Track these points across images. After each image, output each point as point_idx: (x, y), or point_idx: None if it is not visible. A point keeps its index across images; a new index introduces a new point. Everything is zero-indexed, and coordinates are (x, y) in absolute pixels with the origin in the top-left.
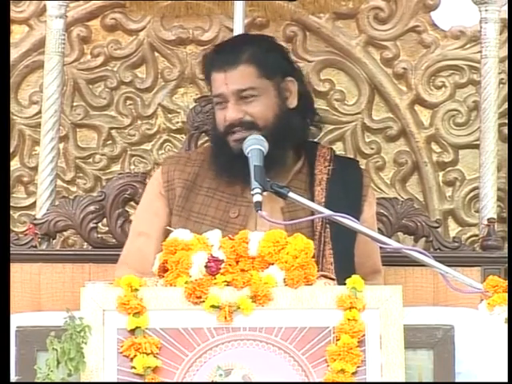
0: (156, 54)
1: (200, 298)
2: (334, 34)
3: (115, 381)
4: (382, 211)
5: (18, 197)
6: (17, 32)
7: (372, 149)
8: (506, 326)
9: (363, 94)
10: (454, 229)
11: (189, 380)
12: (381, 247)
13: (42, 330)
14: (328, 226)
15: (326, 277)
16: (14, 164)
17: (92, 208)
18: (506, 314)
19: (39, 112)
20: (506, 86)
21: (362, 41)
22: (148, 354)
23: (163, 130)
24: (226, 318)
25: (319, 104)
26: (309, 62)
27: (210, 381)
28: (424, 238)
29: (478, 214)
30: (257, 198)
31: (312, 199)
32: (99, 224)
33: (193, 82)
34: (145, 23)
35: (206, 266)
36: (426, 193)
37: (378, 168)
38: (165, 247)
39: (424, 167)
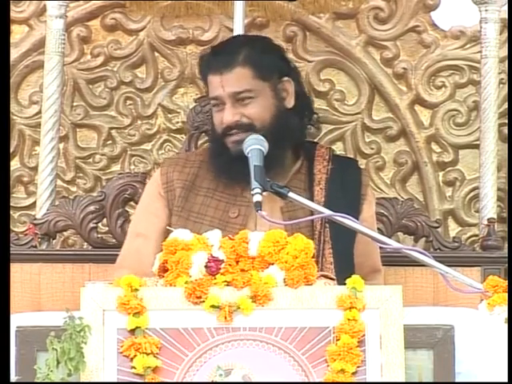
0: (156, 53)
1: (200, 297)
2: (334, 33)
3: (115, 381)
4: (382, 211)
5: (18, 197)
6: (17, 32)
7: (372, 149)
8: (506, 326)
9: (363, 93)
10: (454, 229)
11: (189, 380)
12: (381, 247)
13: (41, 329)
14: (327, 225)
15: (326, 277)
16: (14, 164)
17: (92, 208)
18: (505, 314)
19: (39, 112)
20: (506, 86)
21: (362, 41)
22: (148, 354)
23: (163, 130)
24: (226, 317)
25: (319, 104)
26: (309, 61)
27: (210, 381)
28: (424, 238)
29: (478, 213)
30: (257, 197)
31: (311, 199)
32: (99, 224)
33: (193, 82)
34: (145, 23)
35: (206, 266)
36: (426, 193)
37: (377, 168)
38: (165, 247)
39: (424, 167)
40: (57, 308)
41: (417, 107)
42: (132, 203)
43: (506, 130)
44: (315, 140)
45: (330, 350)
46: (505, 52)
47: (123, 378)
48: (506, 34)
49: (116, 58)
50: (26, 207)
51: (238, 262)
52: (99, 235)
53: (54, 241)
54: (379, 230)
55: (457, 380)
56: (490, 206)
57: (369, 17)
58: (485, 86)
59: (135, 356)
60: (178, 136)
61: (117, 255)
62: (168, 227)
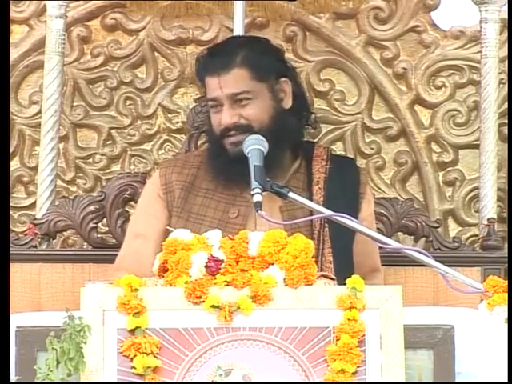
0: (156, 53)
1: (200, 297)
2: (334, 33)
3: (115, 381)
4: (382, 211)
5: (18, 197)
6: (17, 32)
7: (372, 149)
8: (506, 326)
9: (363, 93)
10: (454, 229)
11: (189, 380)
12: (381, 247)
13: (41, 329)
14: (327, 224)
15: (326, 277)
16: (14, 164)
17: (92, 208)
18: (505, 314)
19: (39, 112)
20: (506, 86)
21: (362, 41)
22: (148, 354)
23: (163, 130)
24: (226, 317)
25: (319, 104)
26: (309, 61)
27: (210, 381)
28: (424, 238)
29: (478, 213)
30: (257, 197)
31: (310, 198)
32: (99, 224)
33: (193, 82)
34: (145, 23)
35: (206, 266)
36: (426, 193)
37: (377, 168)
38: (165, 247)
39: (424, 167)
40: (57, 308)
41: (417, 107)
42: (132, 203)
43: (505, 130)
44: (316, 140)
45: (329, 349)
46: (505, 52)
47: (123, 377)
48: (505, 34)
49: (116, 58)
50: (26, 207)
51: (237, 262)
52: (99, 235)
53: (54, 241)
54: (379, 230)
55: (457, 380)
56: (489, 206)
57: (369, 17)
58: (485, 86)
59: (135, 356)
60: (178, 136)
61: (117, 255)
62: (168, 227)
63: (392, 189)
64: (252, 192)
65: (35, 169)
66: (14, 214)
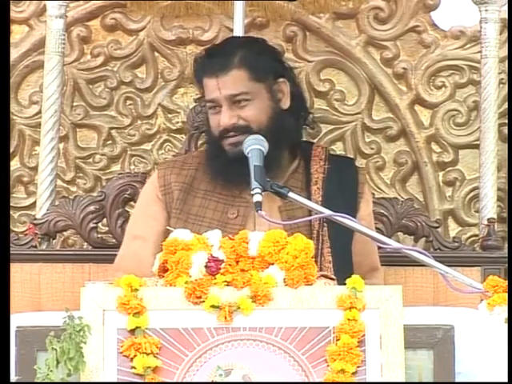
0: (156, 53)
1: (200, 298)
2: (334, 33)
3: (115, 381)
4: (382, 211)
5: (18, 197)
6: (17, 32)
7: (372, 149)
8: (506, 325)
9: (363, 93)
10: (454, 229)
11: (189, 380)
12: (381, 247)
13: (41, 329)
14: (326, 224)
15: (326, 277)
16: (14, 164)
17: (92, 208)
18: (505, 314)
19: (39, 112)
20: (506, 86)
21: (362, 41)
22: (148, 354)
23: (163, 130)
24: (226, 317)
25: (319, 104)
26: (309, 61)
27: (210, 381)
28: (424, 238)
29: (478, 213)
30: (257, 197)
31: (309, 198)
32: (99, 224)
33: (193, 82)
34: (145, 23)
35: (206, 266)
36: (426, 193)
37: (377, 168)
38: (165, 247)
39: (424, 167)
40: (57, 308)
41: (417, 107)
42: (132, 203)
43: (506, 130)
44: (316, 140)
45: (329, 350)
46: (505, 52)
47: (123, 378)
48: (505, 34)
49: (116, 58)
50: (26, 207)
51: (237, 262)
52: (99, 235)
53: (54, 241)
54: (379, 230)
55: (457, 380)
56: (489, 206)
57: (369, 17)
58: (485, 86)
59: (135, 356)
60: (178, 136)
61: (117, 255)
62: (168, 227)
63: (392, 189)
64: (252, 192)
65: (35, 169)
66: (14, 214)
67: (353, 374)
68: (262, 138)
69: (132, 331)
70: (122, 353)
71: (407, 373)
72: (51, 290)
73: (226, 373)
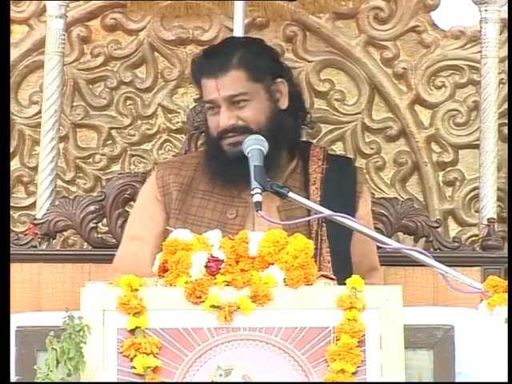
0: (156, 54)
1: (200, 298)
2: (334, 33)
3: (115, 381)
4: (382, 211)
5: (18, 197)
6: (17, 32)
7: (372, 149)
8: (506, 325)
9: (363, 93)
10: (453, 229)
11: (189, 380)
12: (381, 247)
13: (41, 330)
14: (324, 224)
15: (326, 277)
16: (14, 164)
17: (92, 208)
18: (506, 314)
19: (39, 112)
20: (506, 86)
21: (361, 41)
22: (148, 354)
23: (163, 130)
24: (226, 317)
25: (319, 104)
26: (309, 61)
27: (210, 381)
28: (424, 238)
29: (478, 213)
30: (257, 197)
31: (307, 198)
32: (99, 224)
33: (192, 82)
34: (145, 23)
35: (206, 266)
36: (426, 193)
37: (377, 168)
38: (165, 247)
39: (424, 167)
40: (57, 308)
41: (417, 107)
42: (132, 203)
43: (506, 130)
44: (316, 140)
45: (330, 350)
46: (505, 52)
47: (123, 378)
48: (505, 34)
49: (116, 58)
50: (26, 207)
51: (237, 262)
52: (99, 235)
53: (54, 241)
54: (379, 230)
55: (457, 380)
56: (489, 206)
57: (369, 17)
58: (485, 86)
59: (135, 356)
60: (177, 136)
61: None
62: (168, 227)
63: (392, 189)
64: (252, 192)
65: (35, 169)
66: (14, 214)
67: (353, 374)
68: (262, 137)
69: (132, 331)
70: (121, 353)
71: (407, 373)
72: (51, 290)
73: (226, 373)
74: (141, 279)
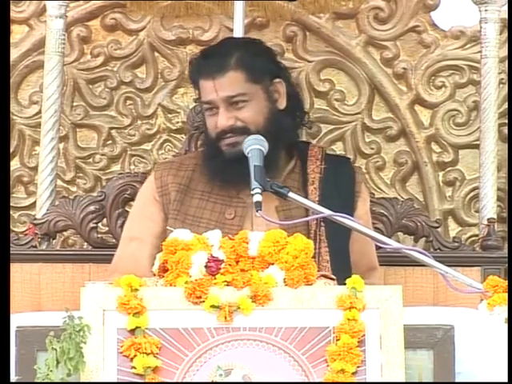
0: (156, 53)
1: (200, 298)
2: (334, 33)
3: (115, 381)
4: (382, 211)
5: (18, 197)
6: (17, 32)
7: (372, 149)
8: (506, 325)
9: (363, 93)
10: (453, 229)
11: (189, 380)
12: (381, 247)
13: (41, 330)
14: (323, 224)
15: (326, 277)
16: (14, 164)
17: (92, 208)
18: (506, 314)
19: (39, 112)
20: (506, 86)
21: (362, 41)
22: (148, 354)
23: (163, 130)
24: (226, 317)
25: (319, 104)
26: (309, 61)
27: (210, 381)
28: (424, 238)
29: (478, 213)
30: (257, 197)
31: (306, 198)
32: (99, 224)
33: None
34: (145, 23)
35: (206, 266)
36: (426, 193)
37: (377, 168)
38: (165, 247)
39: (424, 167)
40: (57, 308)
41: (417, 107)
42: (132, 203)
43: (506, 130)
44: (316, 140)
45: (330, 350)
46: (505, 52)
47: (123, 378)
48: (505, 34)
49: (116, 58)
50: (26, 207)
51: (237, 262)
52: (99, 235)
53: (54, 241)
54: (379, 230)
55: (457, 380)
56: (489, 206)
57: (369, 17)
58: (485, 86)
59: (135, 356)
60: (177, 136)
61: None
62: (168, 227)
63: (392, 189)
64: (252, 192)
65: (35, 169)
66: (14, 214)
67: (353, 374)
68: (262, 138)
69: (132, 331)
70: (121, 353)
71: (407, 373)
72: (51, 290)
73: (226, 373)
74: (141, 279)
